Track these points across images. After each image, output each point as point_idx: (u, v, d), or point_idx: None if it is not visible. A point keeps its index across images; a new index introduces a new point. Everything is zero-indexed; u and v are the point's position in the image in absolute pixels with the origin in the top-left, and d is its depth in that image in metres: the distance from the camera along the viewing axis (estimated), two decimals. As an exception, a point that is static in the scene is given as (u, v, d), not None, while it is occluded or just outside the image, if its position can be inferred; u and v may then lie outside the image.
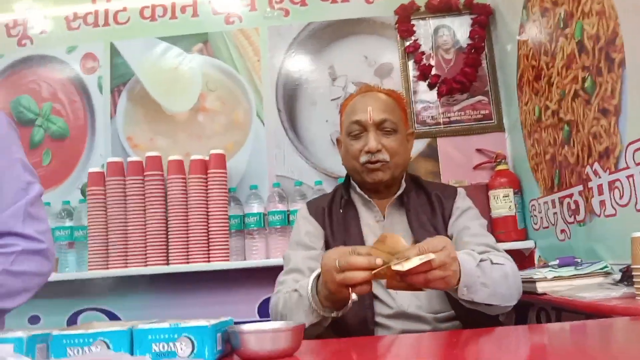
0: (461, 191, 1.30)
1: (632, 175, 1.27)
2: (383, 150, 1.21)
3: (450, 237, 1.20)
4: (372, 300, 1.15)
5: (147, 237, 2.07)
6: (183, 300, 2.17)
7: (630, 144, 1.27)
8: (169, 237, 2.08)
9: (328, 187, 2.16)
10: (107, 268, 2.07)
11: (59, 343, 0.71)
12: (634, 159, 1.26)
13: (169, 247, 2.07)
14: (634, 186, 1.26)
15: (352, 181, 1.32)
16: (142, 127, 2.35)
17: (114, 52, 2.40)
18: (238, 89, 2.35)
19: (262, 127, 2.31)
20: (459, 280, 0.94)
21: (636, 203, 1.26)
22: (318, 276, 0.99)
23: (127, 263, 2.07)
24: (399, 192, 1.27)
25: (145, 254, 2.07)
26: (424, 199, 1.28)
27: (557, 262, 1.45)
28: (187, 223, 2.08)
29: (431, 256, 0.84)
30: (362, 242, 1.21)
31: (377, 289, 1.15)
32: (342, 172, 2.24)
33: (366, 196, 1.27)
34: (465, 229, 1.20)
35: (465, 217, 1.24)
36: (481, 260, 1.02)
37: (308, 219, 1.29)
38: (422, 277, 0.85)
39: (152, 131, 2.34)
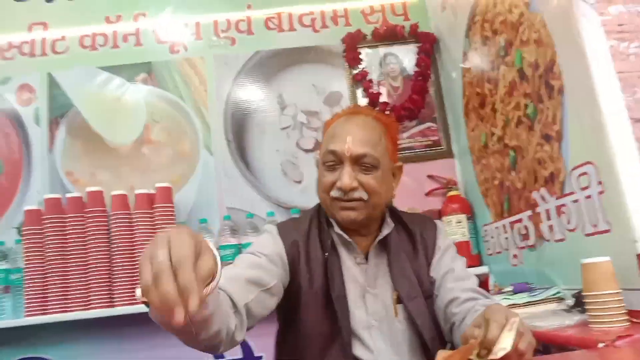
0: (440, 226, 1.22)
1: (578, 200, 1.28)
2: (360, 188, 1.07)
3: (433, 282, 1.12)
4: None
5: (89, 277, 1.94)
6: (130, 345, 2.03)
7: (574, 168, 1.29)
8: (113, 277, 1.95)
9: (280, 218, 2.11)
10: (46, 313, 1.92)
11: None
12: (579, 184, 1.27)
13: (113, 288, 1.94)
14: (581, 211, 1.28)
15: (330, 219, 1.17)
16: (83, 161, 2.23)
17: (52, 83, 2.28)
18: (184, 120, 2.27)
19: (210, 158, 2.24)
20: None
21: (584, 228, 1.27)
22: None
23: (67, 307, 1.93)
24: (384, 234, 1.14)
25: (88, 296, 1.93)
26: (404, 238, 1.17)
27: (511, 288, 1.45)
28: (133, 261, 1.97)
29: (515, 326, 0.71)
30: (343, 288, 1.09)
31: (361, 331, 1.07)
32: (295, 202, 2.21)
33: (346, 236, 1.12)
34: (450, 272, 1.11)
35: (448, 257, 1.15)
36: None
37: (276, 242, 1.12)
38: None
39: (93, 165, 2.23)
